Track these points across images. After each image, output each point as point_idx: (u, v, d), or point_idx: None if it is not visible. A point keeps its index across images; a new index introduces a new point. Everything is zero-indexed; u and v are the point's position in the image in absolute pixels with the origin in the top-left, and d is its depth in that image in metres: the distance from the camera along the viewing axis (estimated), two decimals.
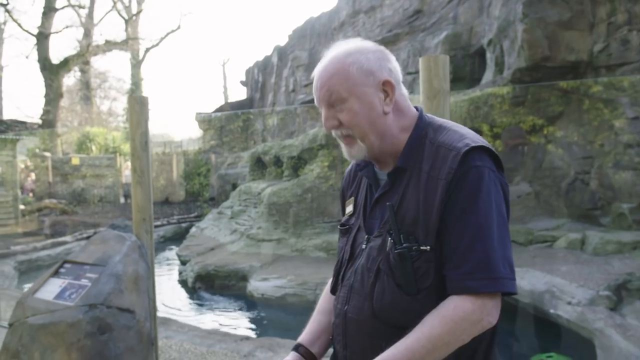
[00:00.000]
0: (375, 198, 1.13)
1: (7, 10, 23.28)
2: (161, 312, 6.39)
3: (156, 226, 12.93)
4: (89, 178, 15.61)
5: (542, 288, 5.06)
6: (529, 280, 5.27)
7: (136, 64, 29.36)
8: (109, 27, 56.85)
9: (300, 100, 15.40)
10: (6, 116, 32.30)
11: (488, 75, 8.64)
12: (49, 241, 10.18)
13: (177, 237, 12.48)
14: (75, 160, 15.78)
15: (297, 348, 1.21)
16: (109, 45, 25.76)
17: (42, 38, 22.82)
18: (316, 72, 1.12)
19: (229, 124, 18.40)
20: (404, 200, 1.05)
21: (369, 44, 1.13)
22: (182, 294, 7.95)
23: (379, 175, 1.16)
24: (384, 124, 1.09)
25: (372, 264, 1.06)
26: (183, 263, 8.79)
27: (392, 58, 1.14)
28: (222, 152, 16.64)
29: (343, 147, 1.14)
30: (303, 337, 1.24)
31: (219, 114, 19.12)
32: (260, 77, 21.08)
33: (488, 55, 8.75)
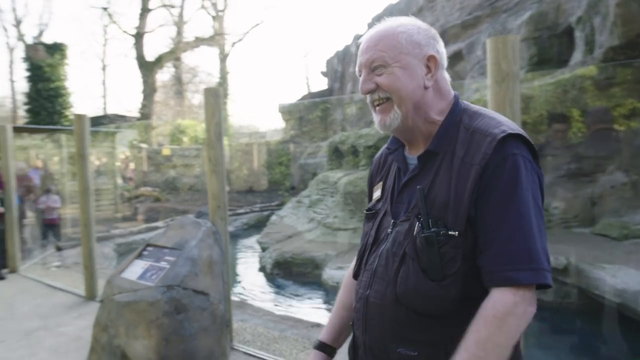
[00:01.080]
0: (404, 182, 1.11)
1: (108, 14, 25.35)
2: (240, 295, 6.68)
3: (239, 214, 13.50)
4: (179, 168, 16.66)
5: (637, 287, 4.63)
6: (622, 278, 4.85)
7: (223, 58, 30.66)
8: (198, 24, 59.72)
9: None
10: (109, 111, 35.32)
11: (577, 56, 7.98)
12: (144, 226, 11.03)
13: (259, 225, 12.93)
14: (166, 151, 16.90)
15: (320, 346, 1.25)
16: (198, 41, 27.15)
17: (139, 37, 24.57)
18: (364, 37, 1.12)
19: (309, 113, 18.68)
20: (434, 184, 1.03)
21: (423, 23, 1.14)
22: (261, 279, 8.26)
23: (408, 159, 1.15)
24: (421, 97, 1.07)
25: (398, 248, 1.04)
26: (263, 250, 9.12)
27: (442, 42, 1.14)
28: (301, 142, 16.96)
29: (376, 117, 1.12)
30: (325, 335, 1.27)
31: (297, 103, 19.46)
32: (340, 67, 21.11)
33: (577, 34, 8.07)
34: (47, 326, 4.58)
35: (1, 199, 6.41)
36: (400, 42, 1.07)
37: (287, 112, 19.32)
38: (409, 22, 1.10)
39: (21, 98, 27.84)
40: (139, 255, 3.73)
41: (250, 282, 8.08)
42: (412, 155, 1.14)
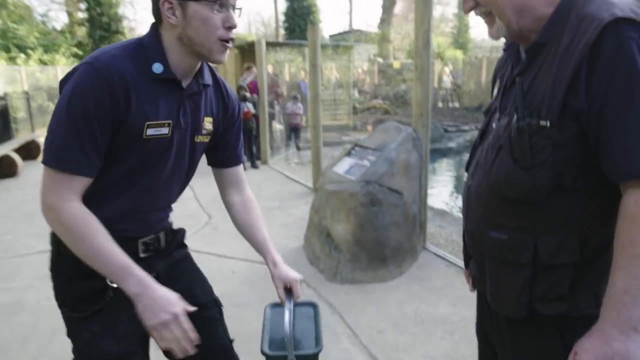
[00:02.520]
0: (513, 77, 1.10)
1: None
2: (446, 206, 6.85)
3: (464, 131, 13.23)
4: (409, 82, 16.89)
5: None
6: None
7: None
8: None
9: None
10: (355, 26, 37.19)
11: None
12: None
13: None
14: (397, 65, 17.22)
15: None
16: None
17: None
18: None
19: None
20: (537, 76, 1.01)
21: None
22: None
23: (522, 54, 1.11)
24: None
25: (497, 140, 1.08)
26: None
27: None
28: None
29: (487, 29, 1.12)
30: None
31: None
32: None
33: None
34: (281, 207, 5.63)
35: (254, 103, 7.73)
36: None
37: None
38: None
39: (281, 17, 31.47)
40: (348, 154, 4.21)
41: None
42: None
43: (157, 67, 1.16)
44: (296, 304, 1.37)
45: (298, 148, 9.75)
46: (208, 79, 1.32)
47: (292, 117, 10.09)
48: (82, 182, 1.12)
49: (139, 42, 1.19)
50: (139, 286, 1.10)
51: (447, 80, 17.78)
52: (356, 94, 16.27)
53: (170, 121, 1.20)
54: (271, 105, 9.37)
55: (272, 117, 9.43)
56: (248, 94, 7.67)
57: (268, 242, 1.45)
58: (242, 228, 1.50)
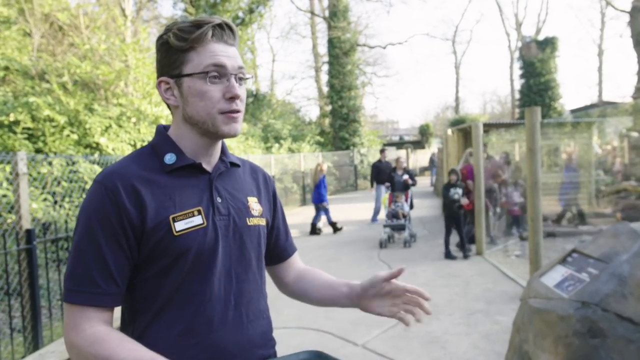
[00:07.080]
0: None
1: None
2: None
3: None
4: None
5: None
6: None
7: None
8: None
9: None
10: (606, 97, 33.01)
11: None
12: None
13: None
14: None
15: None
16: None
17: (635, 13, 21.65)
18: None
19: None
20: None
21: None
22: None
23: None
24: None
25: None
26: None
27: None
28: None
29: None
30: None
31: None
32: None
33: None
34: (487, 311, 4.89)
35: (463, 189, 7.22)
36: None
37: None
38: None
39: (517, 95, 30.19)
40: (563, 261, 3.41)
41: None
42: None
43: (170, 158, 1.08)
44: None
45: (521, 238, 8.65)
46: (234, 158, 1.21)
47: (509, 204, 9.10)
48: (98, 313, 0.98)
49: (148, 144, 1.14)
50: None
51: None
52: (601, 175, 13.94)
53: (199, 207, 1.06)
54: (490, 191, 8.65)
55: (492, 202, 8.65)
56: (454, 178, 7.26)
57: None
58: (309, 286, 1.32)
